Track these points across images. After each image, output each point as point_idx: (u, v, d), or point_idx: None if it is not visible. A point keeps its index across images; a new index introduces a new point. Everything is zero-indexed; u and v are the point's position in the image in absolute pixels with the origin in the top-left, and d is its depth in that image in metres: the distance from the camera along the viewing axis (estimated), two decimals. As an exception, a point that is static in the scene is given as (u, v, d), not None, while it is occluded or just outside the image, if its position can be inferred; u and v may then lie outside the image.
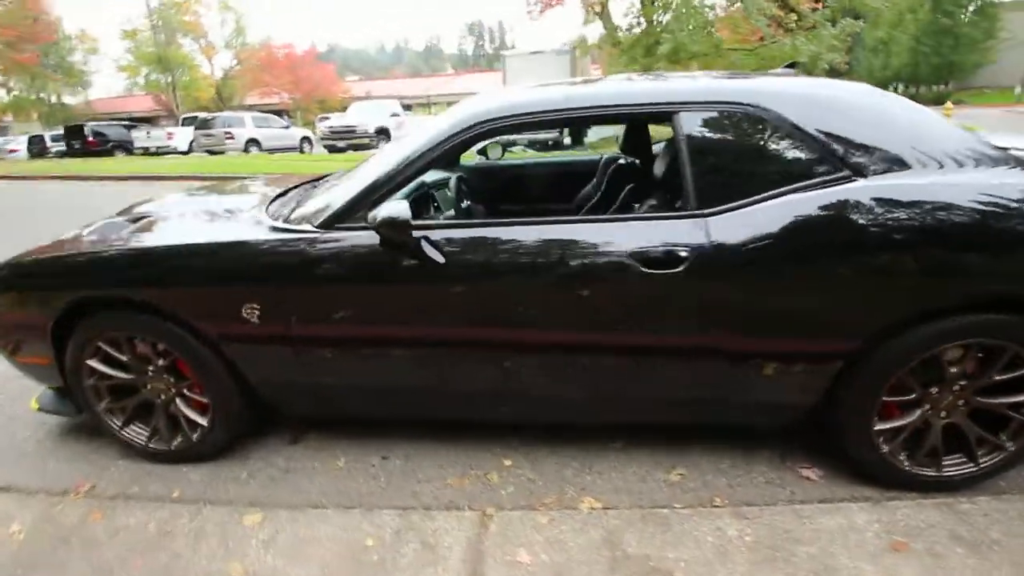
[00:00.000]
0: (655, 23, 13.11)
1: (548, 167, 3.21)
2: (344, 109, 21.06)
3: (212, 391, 1.89)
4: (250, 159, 14.45)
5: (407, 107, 22.44)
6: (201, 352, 1.81)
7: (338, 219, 1.72)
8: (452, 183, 2.33)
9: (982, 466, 1.72)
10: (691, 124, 1.60)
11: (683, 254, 1.54)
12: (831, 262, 1.52)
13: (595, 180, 2.97)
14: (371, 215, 1.63)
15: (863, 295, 1.53)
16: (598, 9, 13.36)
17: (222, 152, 17.08)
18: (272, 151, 17.45)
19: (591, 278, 1.61)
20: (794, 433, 2.02)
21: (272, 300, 1.72)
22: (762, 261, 1.55)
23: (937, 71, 29.90)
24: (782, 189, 1.55)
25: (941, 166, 1.54)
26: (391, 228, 1.56)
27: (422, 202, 2.24)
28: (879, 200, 1.49)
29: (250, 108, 25.29)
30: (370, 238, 1.65)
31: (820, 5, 12.49)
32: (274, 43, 33.44)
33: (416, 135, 1.89)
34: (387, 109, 18.22)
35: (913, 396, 1.67)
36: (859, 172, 1.53)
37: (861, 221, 1.48)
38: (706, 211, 1.56)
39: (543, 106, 1.71)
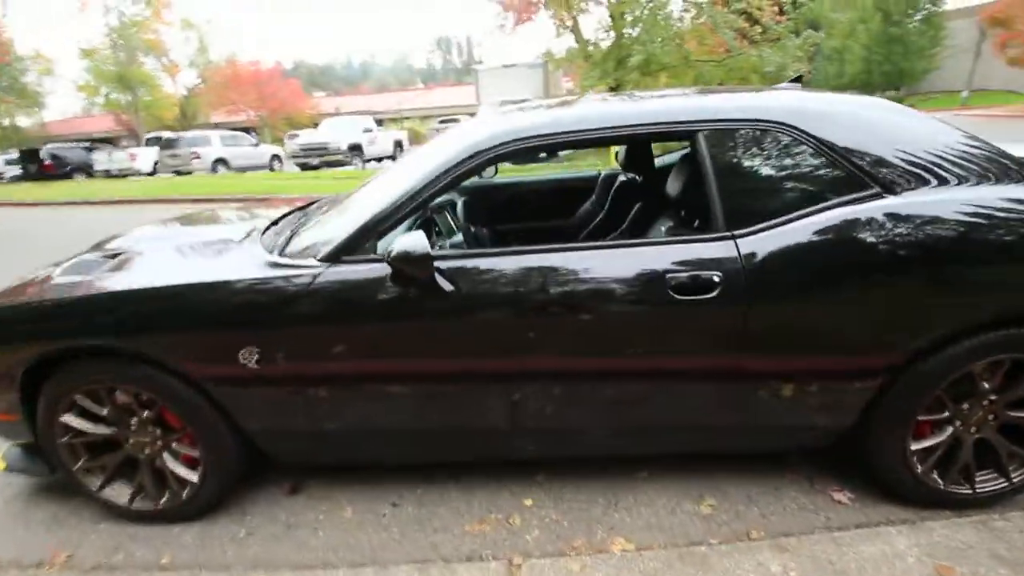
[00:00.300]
0: (625, 36, 13.30)
1: (544, 184, 3.14)
2: (314, 125, 20.74)
3: (204, 442, 1.73)
4: (219, 179, 14.07)
5: (379, 122, 22.25)
6: (193, 401, 1.65)
7: (344, 252, 1.59)
8: (460, 207, 2.22)
9: (1014, 481, 1.69)
10: (716, 143, 1.54)
11: (716, 279, 1.47)
12: (866, 279, 1.47)
13: (595, 197, 2.92)
14: (385, 248, 1.52)
15: (900, 311, 1.49)
16: (569, 23, 13.50)
17: (189, 173, 16.59)
18: (242, 170, 17.03)
19: (619, 306, 1.53)
20: (818, 453, 1.96)
21: (273, 341, 1.58)
22: (794, 282, 1.49)
23: (888, 78, 31.22)
24: (812, 208, 1.50)
25: (966, 180, 1.52)
26: (408, 262, 1.45)
27: (423, 227, 2.14)
28: (912, 216, 1.45)
29: (216, 126, 24.71)
30: (380, 271, 1.54)
31: (783, 18, 12.87)
32: (239, 60, 32.87)
33: (422, 159, 1.79)
34: (359, 125, 17.99)
35: (946, 413, 1.64)
36: (888, 189, 1.49)
37: (896, 237, 1.44)
38: (736, 232, 1.50)
39: (559, 127, 1.62)
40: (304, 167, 16.38)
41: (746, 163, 1.55)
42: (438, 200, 2.04)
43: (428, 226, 2.18)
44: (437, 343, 1.61)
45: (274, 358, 1.59)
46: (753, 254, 1.48)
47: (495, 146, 1.59)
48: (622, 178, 2.68)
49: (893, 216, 1.46)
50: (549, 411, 1.67)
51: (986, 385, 1.59)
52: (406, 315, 1.57)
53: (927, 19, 29.77)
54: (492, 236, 2.54)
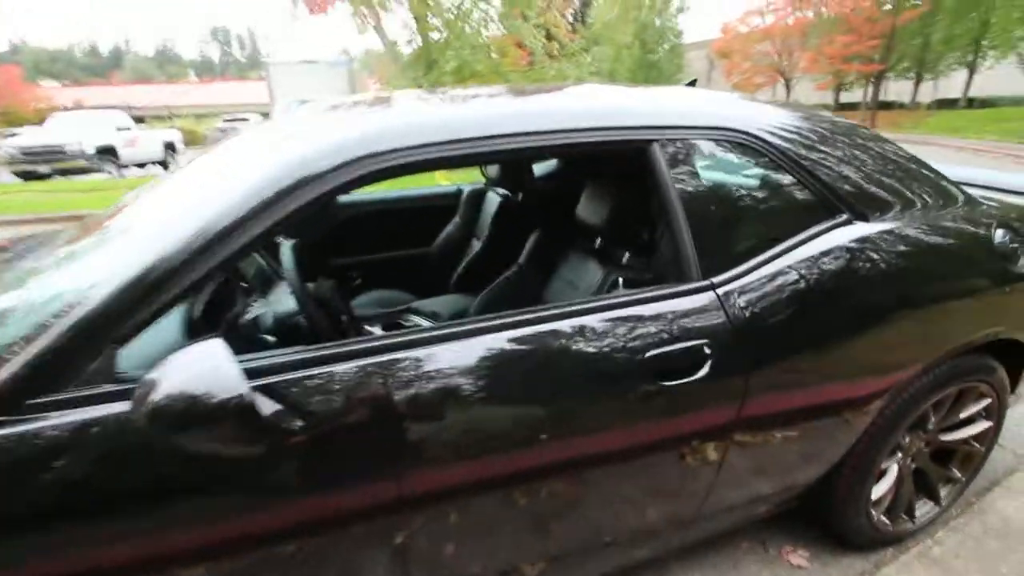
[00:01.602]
0: (432, 41, 12.98)
1: (389, 203, 2.47)
2: (42, 122, 16.05)
3: None
4: None
5: (139, 119, 18.23)
6: None
7: (32, 387, 0.77)
8: (285, 246, 1.39)
9: (943, 503, 1.65)
10: (676, 157, 1.13)
11: (707, 350, 1.06)
12: (862, 313, 1.22)
13: (459, 219, 2.37)
14: (136, 369, 0.76)
15: (889, 345, 1.27)
16: (372, 22, 12.62)
17: None
18: (-80, 182, 12.20)
19: (574, 402, 1.02)
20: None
21: None
22: (791, 331, 1.17)
23: (650, 97, 36.89)
24: (793, 241, 1.18)
25: (921, 205, 1.36)
26: (197, 420, 0.72)
27: (221, 289, 1.33)
28: (894, 243, 1.24)
29: None
30: (107, 410, 0.78)
31: (576, 36, 13.94)
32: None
33: (216, 179, 1.03)
34: (111, 121, 14.26)
35: (898, 454, 1.51)
36: (857, 214, 1.25)
37: (884, 266, 1.22)
38: (716, 280, 1.11)
39: (462, 133, 1.02)
40: (27, 176, 12.41)
41: (712, 183, 1.17)
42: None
43: (226, 284, 1.38)
44: (265, 495, 0.90)
45: None
46: (739, 306, 1.10)
47: (356, 160, 0.93)
48: (494, 195, 2.18)
49: (875, 244, 1.23)
50: (453, 551, 1.08)
51: (934, 417, 1.49)
52: (196, 479, 0.83)
53: (672, 48, 35.78)
54: (344, 288, 1.71)
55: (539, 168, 2.32)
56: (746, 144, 1.18)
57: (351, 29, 13.68)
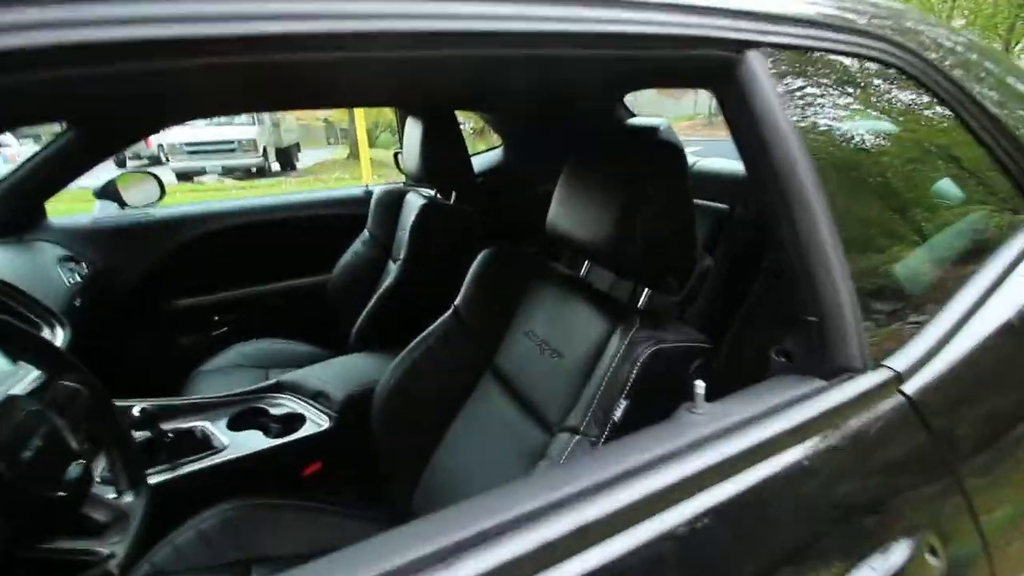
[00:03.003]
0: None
1: (278, 212, 1.73)
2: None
3: None
4: None
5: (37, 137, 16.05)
6: None
7: None
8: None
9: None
10: (811, 88, 0.50)
11: (930, 558, 0.42)
12: None
13: (368, 234, 1.66)
14: None
15: None
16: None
17: None
18: None
19: None
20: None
21: None
22: None
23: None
24: (1003, 262, 0.58)
25: None
26: None
27: None
28: None
29: None
30: None
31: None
32: None
33: None
34: (-15, 138, 12.46)
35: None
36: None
37: None
38: (899, 367, 0.47)
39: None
40: None
41: (873, 149, 0.54)
42: None
43: None
44: None
45: None
46: (956, 420, 0.48)
47: None
48: (416, 198, 1.50)
49: None
50: None
51: None
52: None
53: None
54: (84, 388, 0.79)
55: (480, 161, 1.66)
56: (912, 75, 0.56)
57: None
